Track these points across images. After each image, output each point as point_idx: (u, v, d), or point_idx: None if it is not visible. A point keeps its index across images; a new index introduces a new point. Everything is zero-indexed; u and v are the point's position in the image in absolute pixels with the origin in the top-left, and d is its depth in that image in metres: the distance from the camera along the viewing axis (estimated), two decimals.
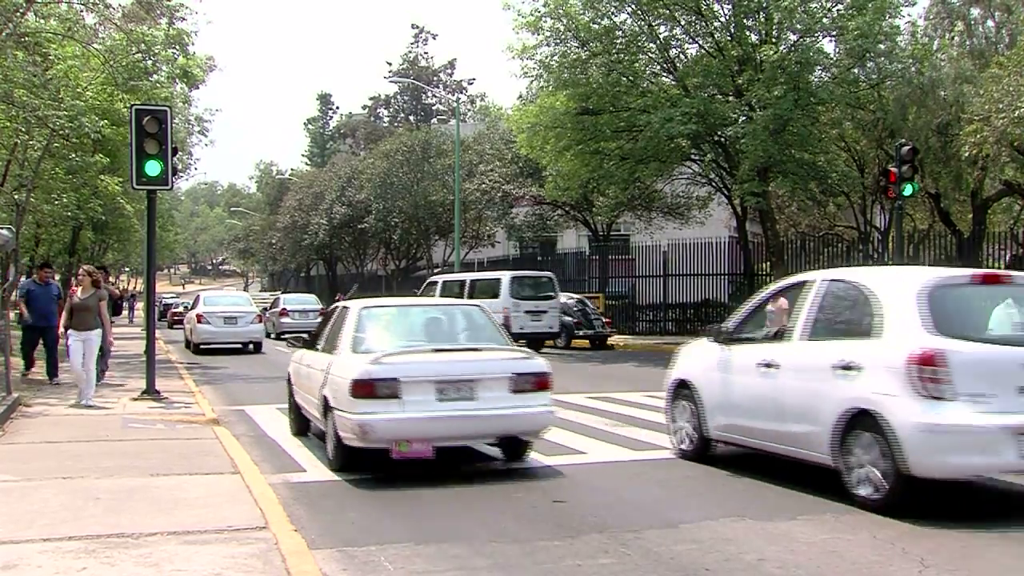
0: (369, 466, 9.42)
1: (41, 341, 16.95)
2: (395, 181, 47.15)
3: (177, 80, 25.82)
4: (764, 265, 31.91)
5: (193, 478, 8.75)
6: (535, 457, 10.35)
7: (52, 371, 16.87)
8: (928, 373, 7.42)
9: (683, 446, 10.28)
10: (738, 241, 33.73)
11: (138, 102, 17.96)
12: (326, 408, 9.73)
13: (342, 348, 9.87)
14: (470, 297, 26.08)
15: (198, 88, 28.35)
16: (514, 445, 10.11)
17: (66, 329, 14.22)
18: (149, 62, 23.21)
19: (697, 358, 10.39)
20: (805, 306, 9.00)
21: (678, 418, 10.43)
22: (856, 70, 26.13)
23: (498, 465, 9.97)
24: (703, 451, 10.02)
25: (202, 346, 27.73)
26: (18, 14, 18.95)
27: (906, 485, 7.48)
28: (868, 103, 27.11)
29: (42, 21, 21.99)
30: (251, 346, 28.14)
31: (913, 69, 26.48)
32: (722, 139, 27.66)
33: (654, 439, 11.42)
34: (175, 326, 41.74)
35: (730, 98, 26.64)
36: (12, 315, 19.55)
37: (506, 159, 39.85)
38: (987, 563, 6.51)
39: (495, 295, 26.51)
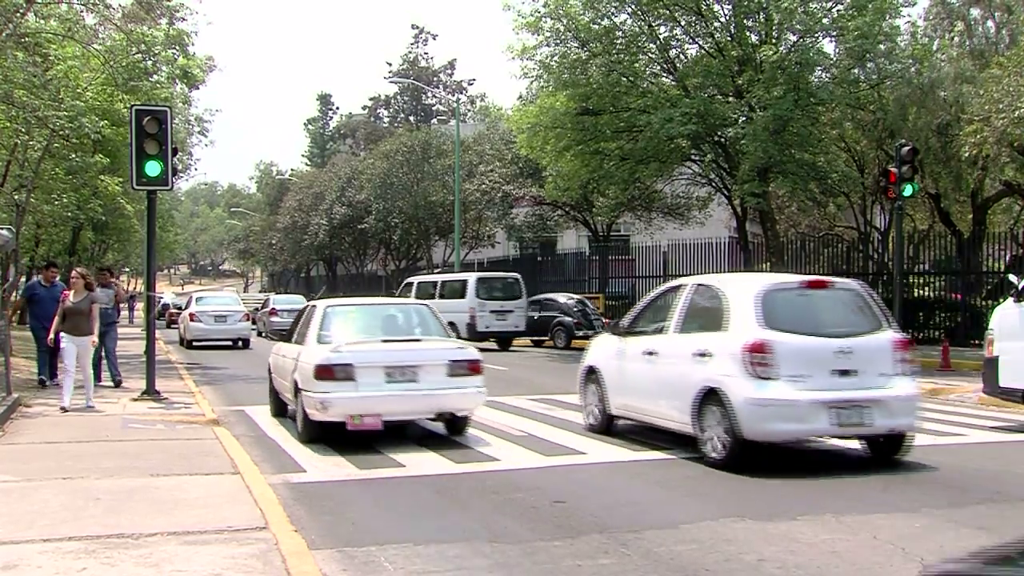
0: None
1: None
2: (395, 181, 47.13)
3: (177, 80, 25.82)
4: (764, 265, 31.87)
5: (193, 478, 8.75)
6: (535, 458, 10.36)
7: (53, 372, 16.49)
8: (758, 359, 9.32)
9: (591, 421, 12.14)
10: (738, 241, 33.71)
11: (138, 102, 17.96)
12: (296, 389, 11.46)
13: (309, 340, 11.67)
14: (441, 297, 28.16)
15: (198, 88, 28.34)
16: (453, 421, 11.68)
17: (57, 333, 13.90)
18: (149, 62, 23.21)
19: (601, 348, 12.33)
20: (678, 305, 10.82)
21: (588, 398, 12.27)
22: (856, 70, 26.11)
23: (499, 466, 9.97)
24: (607, 426, 11.82)
25: (194, 342, 29.86)
26: (18, 14, 18.95)
27: (742, 447, 9.36)
28: (868, 103, 27.10)
29: (42, 21, 21.99)
30: (239, 343, 30.18)
31: (913, 69, 26.47)
32: (722, 139, 27.64)
33: (654, 439, 11.41)
34: (172, 325, 42.05)
35: (730, 98, 26.62)
36: (13, 316, 19.54)
37: (506, 159, 39.85)
38: None
39: (462, 295, 28.48)
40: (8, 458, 9.67)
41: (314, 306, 12.70)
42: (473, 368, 11.36)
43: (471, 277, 29.84)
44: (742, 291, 10.07)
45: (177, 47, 23.86)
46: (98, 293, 15.64)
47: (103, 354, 16.51)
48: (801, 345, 9.48)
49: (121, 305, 17.64)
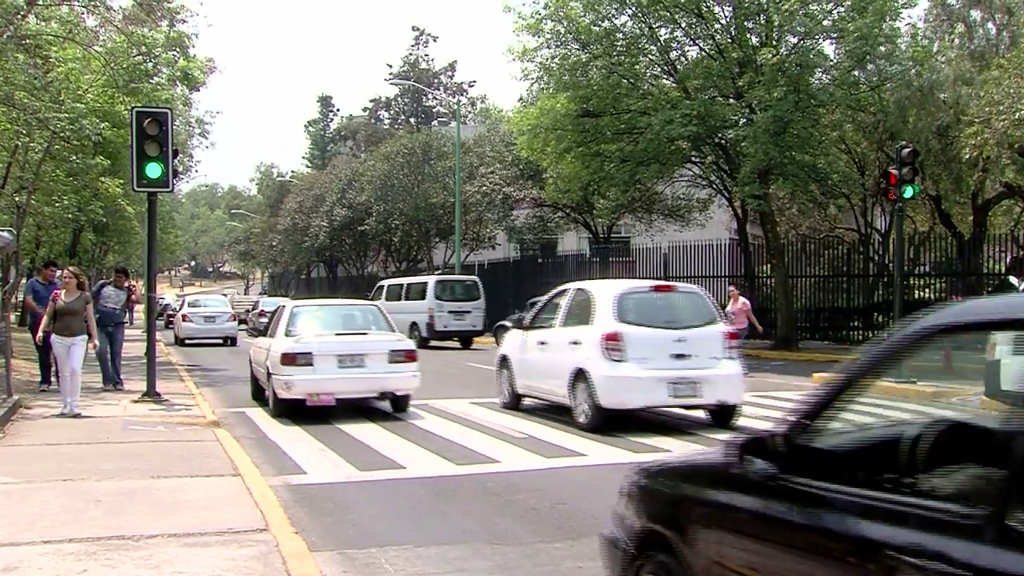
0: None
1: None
2: (396, 183, 47.14)
3: (178, 82, 25.84)
4: (765, 267, 31.90)
5: (194, 480, 8.75)
6: (535, 459, 10.36)
7: (46, 375, 16.27)
8: (612, 345, 12.02)
9: (503, 400, 14.84)
10: (739, 243, 33.71)
11: (139, 104, 17.99)
12: (268, 374, 14.01)
13: (279, 334, 14.25)
14: (406, 299, 31.82)
15: (199, 90, 28.39)
16: (396, 400, 14.22)
17: (48, 334, 13.41)
18: (150, 64, 23.22)
19: (510, 341, 15.00)
20: (563, 304, 13.60)
21: (502, 381, 14.94)
22: (856, 72, 26.11)
23: (499, 468, 9.97)
24: (516, 403, 14.53)
25: (187, 340, 32.96)
26: (19, 16, 18.97)
27: (601, 414, 12.05)
28: (868, 105, 27.10)
29: (43, 24, 22.02)
30: (227, 340, 33.14)
31: (913, 71, 26.48)
32: (723, 141, 27.65)
33: (655, 441, 11.44)
34: (170, 325, 42.60)
35: (730, 100, 26.62)
36: (12, 317, 19.50)
37: (506, 161, 39.86)
38: None
39: (423, 297, 31.20)
40: (9, 460, 9.67)
41: (284, 306, 15.47)
42: (409, 356, 13.99)
43: (431, 280, 32.03)
44: (604, 293, 12.83)
45: (178, 49, 23.89)
46: (109, 292, 16.04)
47: (109, 356, 16.31)
48: (646, 335, 12.17)
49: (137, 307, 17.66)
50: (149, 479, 8.77)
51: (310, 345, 13.52)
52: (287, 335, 13.99)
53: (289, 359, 13.35)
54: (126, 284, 17.60)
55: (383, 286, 34.60)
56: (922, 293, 28.55)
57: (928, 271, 29.89)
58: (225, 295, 51.64)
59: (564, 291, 14.02)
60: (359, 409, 14.44)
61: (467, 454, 10.69)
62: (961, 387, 16.85)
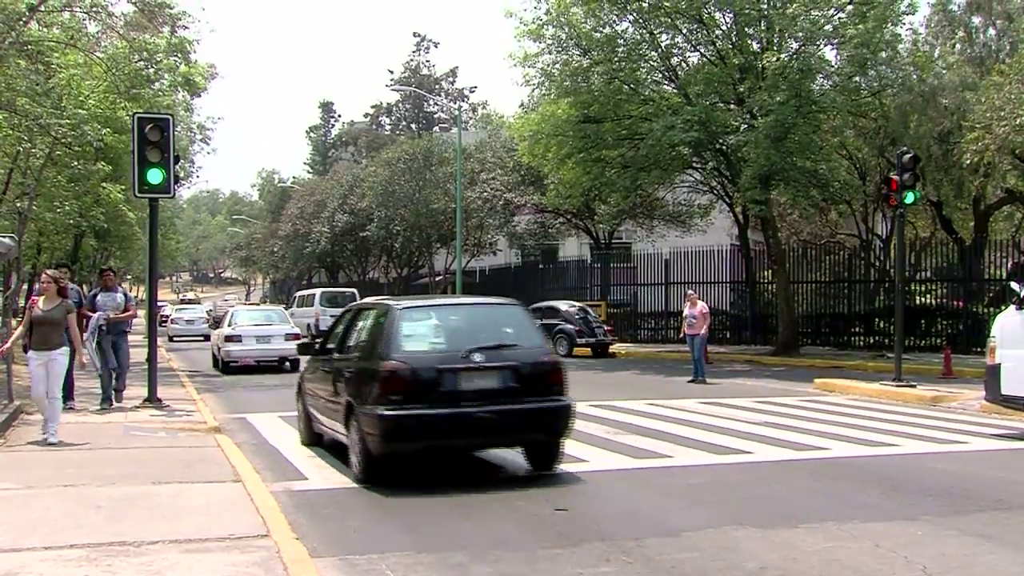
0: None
1: None
2: (397, 189, 47.14)
3: (179, 88, 25.87)
4: (766, 273, 31.89)
5: (195, 486, 8.75)
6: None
7: (65, 394, 13.18)
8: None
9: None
10: (740, 249, 33.71)
11: (140, 110, 17.97)
12: (219, 348, 24.42)
13: (225, 325, 24.96)
14: (307, 306, 40.42)
15: (200, 96, 28.46)
16: (289, 363, 23.71)
17: (25, 349, 11.89)
18: (151, 70, 23.28)
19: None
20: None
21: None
22: (858, 78, 26.11)
23: (500, 474, 9.95)
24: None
25: (174, 339, 42.31)
26: (21, 23, 19.01)
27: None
28: (870, 111, 27.11)
29: (45, 30, 22.07)
30: (204, 338, 40.04)
31: (914, 77, 26.50)
32: (724, 147, 27.65)
33: (656, 447, 11.43)
34: (163, 325, 44.12)
35: (732, 106, 26.64)
36: (14, 323, 19.45)
37: (508, 167, 39.87)
38: (985, 569, 6.50)
39: (312, 304, 39.80)
40: (9, 465, 9.67)
41: (229, 309, 28.47)
42: (295, 336, 23.66)
43: (317, 292, 42.70)
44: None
45: (179, 55, 23.89)
46: (104, 300, 14.63)
47: (113, 367, 14.64)
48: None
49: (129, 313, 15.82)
50: (150, 485, 8.77)
51: (240, 331, 24.23)
52: (229, 325, 24.70)
53: (229, 340, 23.99)
54: (116, 285, 15.60)
55: (295, 296, 46.00)
56: (924, 299, 28.55)
57: (929, 277, 29.90)
58: (198, 303, 68.73)
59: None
60: None
61: (468, 460, 10.67)
62: (960, 391, 16.84)
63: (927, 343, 26.02)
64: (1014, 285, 13.25)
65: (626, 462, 10.55)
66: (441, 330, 9.91)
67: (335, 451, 10.80)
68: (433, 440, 9.30)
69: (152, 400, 14.76)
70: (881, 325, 28.03)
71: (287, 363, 23.80)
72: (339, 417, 10.07)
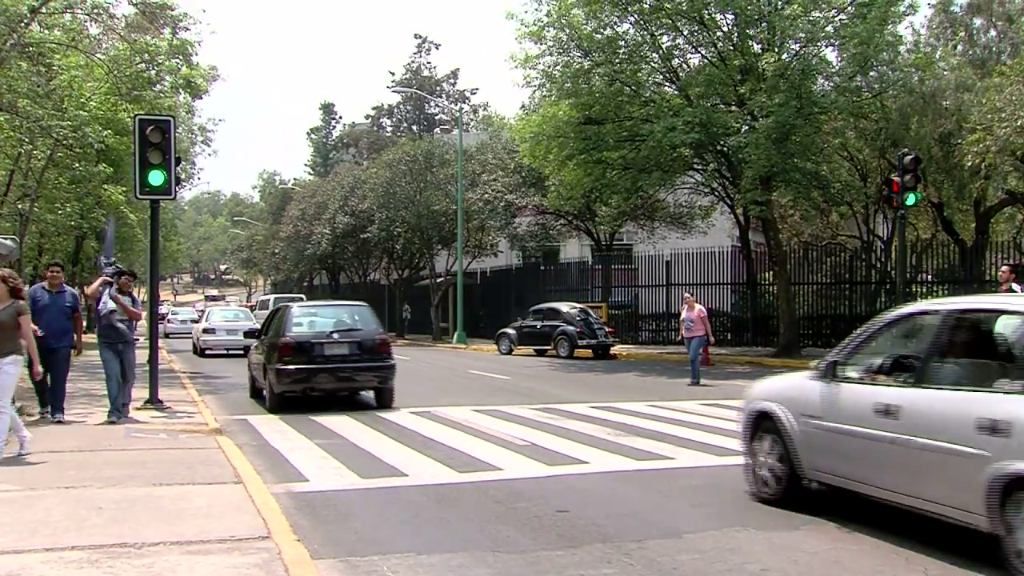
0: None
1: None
2: (398, 191, 47.11)
3: (180, 90, 25.84)
4: (767, 274, 31.89)
5: (196, 488, 8.74)
6: (538, 467, 10.35)
7: (56, 405, 13.29)
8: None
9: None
10: (741, 250, 33.72)
11: (141, 112, 17.98)
12: (198, 338, 33.17)
13: (202, 320, 34.76)
14: (264, 310, 43.63)
15: (201, 98, 28.36)
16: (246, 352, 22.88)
17: None
18: (152, 72, 23.26)
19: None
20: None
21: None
22: (858, 79, 26.13)
23: (501, 475, 9.96)
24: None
25: (169, 336, 47.09)
26: (22, 24, 19.03)
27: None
28: (870, 112, 27.11)
29: (46, 31, 22.08)
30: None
31: (915, 78, 26.49)
32: (725, 148, 27.65)
33: (656, 449, 11.43)
34: (160, 322, 46.74)
35: (732, 107, 26.64)
36: None
37: (509, 169, 39.87)
38: None
39: (268, 307, 42.27)
40: (10, 467, 9.66)
41: (205, 308, 42.51)
42: (255, 333, 21.50)
43: (272, 297, 50.62)
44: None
45: (180, 57, 23.88)
46: (107, 304, 13.66)
47: (120, 377, 13.55)
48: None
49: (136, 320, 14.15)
50: (151, 487, 8.77)
51: (214, 325, 32.59)
52: (206, 320, 33.24)
53: (205, 332, 32.23)
54: (124, 284, 14.20)
55: (257, 301, 55.20)
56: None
57: (930, 278, 29.88)
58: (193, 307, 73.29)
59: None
60: (361, 417, 14.46)
61: (469, 461, 10.68)
62: None
63: None
64: (1015, 287, 13.26)
65: (627, 464, 10.55)
66: (316, 320, 16.46)
67: (344, 454, 10.81)
68: (309, 384, 15.35)
69: (153, 402, 14.77)
70: None
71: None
72: (262, 373, 16.15)
